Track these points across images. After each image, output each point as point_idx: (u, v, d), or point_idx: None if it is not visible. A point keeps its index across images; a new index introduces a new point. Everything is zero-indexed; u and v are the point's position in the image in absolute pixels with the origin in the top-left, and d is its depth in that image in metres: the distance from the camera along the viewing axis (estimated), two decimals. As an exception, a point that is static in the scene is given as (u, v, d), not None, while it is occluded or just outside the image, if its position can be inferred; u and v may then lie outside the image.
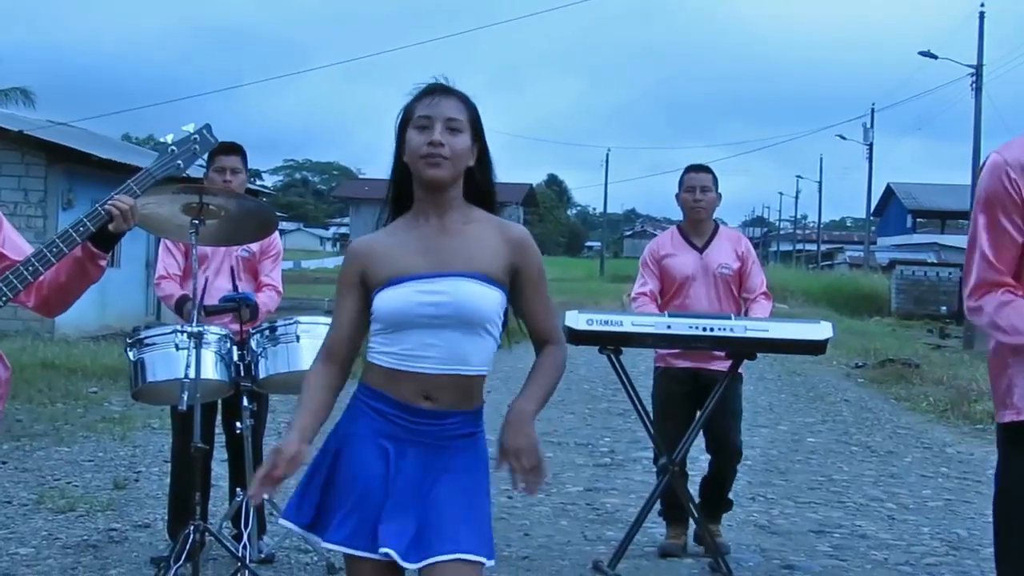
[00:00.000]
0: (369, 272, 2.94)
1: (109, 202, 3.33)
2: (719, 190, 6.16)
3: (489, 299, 2.89)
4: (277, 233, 5.80)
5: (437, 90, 2.97)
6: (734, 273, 6.09)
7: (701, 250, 6.11)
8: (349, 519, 2.85)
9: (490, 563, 2.88)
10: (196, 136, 3.59)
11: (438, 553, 2.79)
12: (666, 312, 5.66)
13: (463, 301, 2.86)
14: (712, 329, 5.42)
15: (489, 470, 2.99)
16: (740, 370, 5.86)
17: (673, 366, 6.07)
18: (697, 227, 6.16)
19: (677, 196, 6.16)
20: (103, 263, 3.41)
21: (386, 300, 2.89)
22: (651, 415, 5.88)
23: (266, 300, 5.71)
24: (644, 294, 6.13)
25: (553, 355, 3.05)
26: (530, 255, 2.99)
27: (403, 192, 3.03)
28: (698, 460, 6.49)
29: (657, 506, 5.99)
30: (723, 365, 5.75)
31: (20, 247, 3.39)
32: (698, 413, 5.89)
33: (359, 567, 2.86)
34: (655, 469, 5.97)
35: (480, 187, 3.03)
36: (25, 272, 3.20)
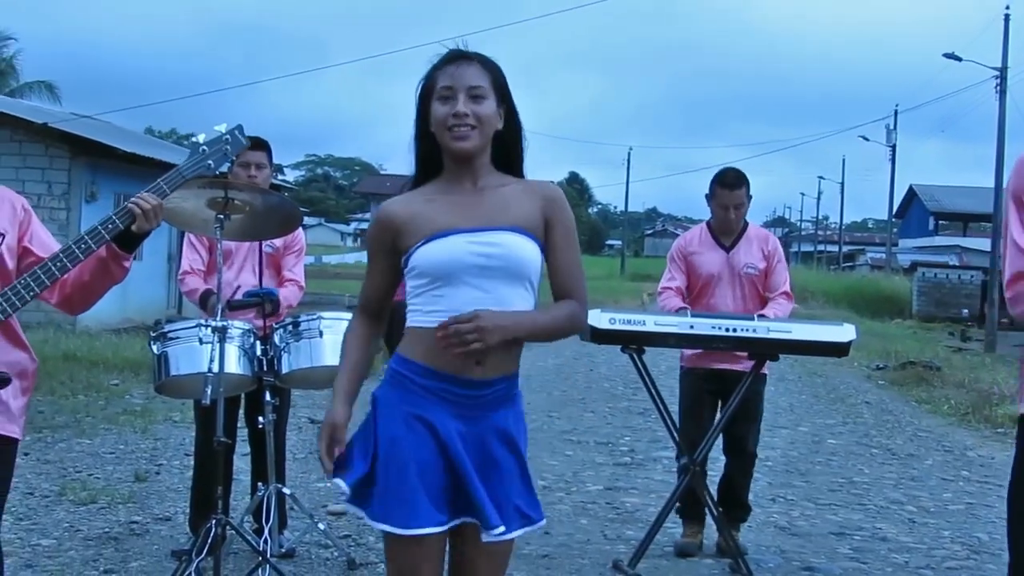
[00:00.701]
0: (405, 231, 2.91)
1: (132, 200, 3.33)
2: (750, 192, 6.10)
3: (533, 252, 2.90)
4: (300, 229, 5.81)
5: (457, 57, 2.95)
6: (760, 273, 6.06)
7: (728, 249, 6.08)
8: (414, 498, 2.80)
9: (542, 522, 2.97)
10: (228, 136, 3.59)
11: (508, 525, 2.85)
12: (688, 312, 5.64)
13: (513, 252, 2.86)
14: (735, 330, 5.40)
15: (526, 435, 3.01)
16: (764, 371, 5.84)
17: (698, 366, 6.06)
18: (733, 228, 6.12)
19: (707, 199, 6.09)
20: (127, 264, 3.41)
21: (433, 252, 2.86)
22: (672, 415, 5.87)
23: (288, 295, 5.71)
24: (670, 288, 6.11)
25: (572, 307, 2.99)
26: (563, 210, 2.99)
27: (430, 158, 3.01)
28: (718, 460, 6.47)
29: (676, 504, 5.98)
30: (749, 366, 5.72)
31: (47, 244, 3.40)
32: (721, 415, 5.88)
33: (420, 543, 2.81)
34: (676, 468, 5.96)
35: (508, 151, 3.02)
36: (53, 268, 3.20)
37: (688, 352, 6.08)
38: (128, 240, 3.37)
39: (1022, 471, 3.07)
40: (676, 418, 5.97)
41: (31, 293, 3.19)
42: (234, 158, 4.15)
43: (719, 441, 6.03)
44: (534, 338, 2.95)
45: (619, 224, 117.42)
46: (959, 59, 34.46)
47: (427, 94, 2.95)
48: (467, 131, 2.88)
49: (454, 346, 2.75)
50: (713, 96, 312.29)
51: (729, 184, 6.02)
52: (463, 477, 2.82)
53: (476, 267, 2.83)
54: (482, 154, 2.96)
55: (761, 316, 5.68)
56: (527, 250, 2.88)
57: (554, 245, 2.97)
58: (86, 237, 3.27)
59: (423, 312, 2.88)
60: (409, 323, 2.92)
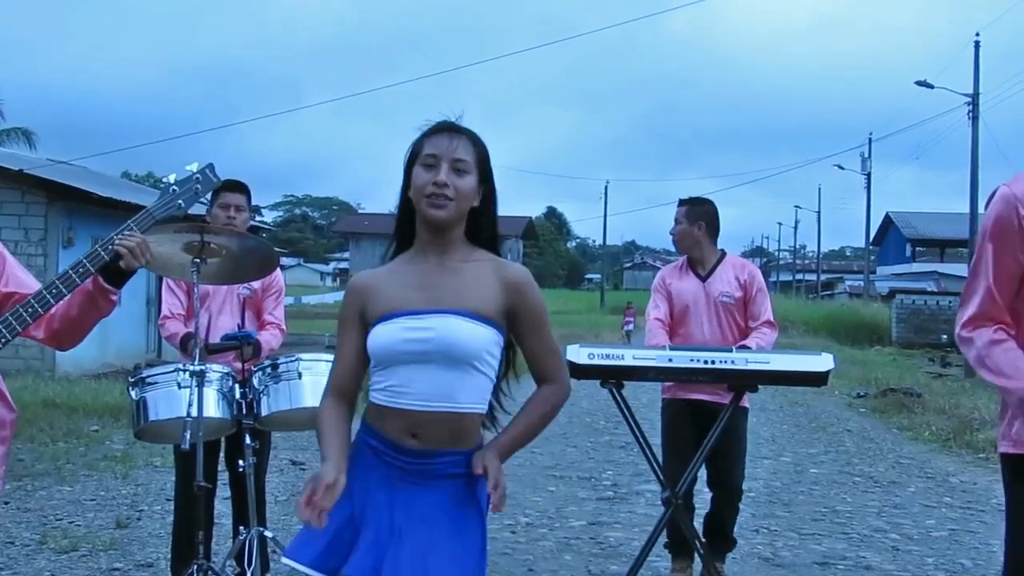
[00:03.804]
0: (367, 307, 2.95)
1: (115, 241, 3.33)
2: (712, 221, 6.18)
3: (478, 336, 2.87)
4: (279, 270, 5.81)
5: (446, 129, 2.96)
6: (736, 301, 6.09)
7: (704, 278, 6.14)
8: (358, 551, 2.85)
9: None
10: (198, 175, 3.59)
11: None
12: (666, 346, 5.65)
13: (448, 337, 2.84)
14: (714, 362, 5.41)
15: (484, 510, 2.95)
16: (745, 404, 5.86)
17: (679, 397, 6.08)
18: (697, 256, 6.20)
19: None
20: (114, 297, 3.41)
21: (376, 336, 2.90)
22: (653, 448, 5.86)
23: (269, 338, 5.71)
24: (659, 319, 6.18)
25: (546, 394, 3.03)
26: (528, 296, 2.97)
27: (408, 227, 3.02)
28: (701, 493, 6.47)
29: (663, 538, 5.97)
30: (729, 397, 5.73)
31: (27, 283, 3.39)
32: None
33: None
34: (660, 501, 5.95)
35: (483, 228, 3.03)
36: (37, 305, 3.20)
37: (667, 384, 6.10)
38: (115, 276, 3.37)
39: (1017, 520, 3.03)
40: (659, 451, 5.97)
41: (13, 332, 3.18)
42: (208, 199, 4.14)
43: (704, 473, 6.03)
44: (523, 445, 3.01)
45: (598, 258, 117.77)
46: (931, 86, 34.82)
47: (413, 160, 2.96)
48: (444, 201, 2.88)
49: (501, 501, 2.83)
50: (688, 127, 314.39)
51: (680, 202, 6.31)
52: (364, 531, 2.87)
53: (410, 353, 2.85)
54: (455, 228, 2.96)
55: (742, 347, 5.70)
56: (470, 334, 2.85)
57: (521, 334, 2.99)
58: (70, 272, 3.27)
59: (373, 388, 2.94)
60: (368, 396, 2.98)
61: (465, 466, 2.90)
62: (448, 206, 2.89)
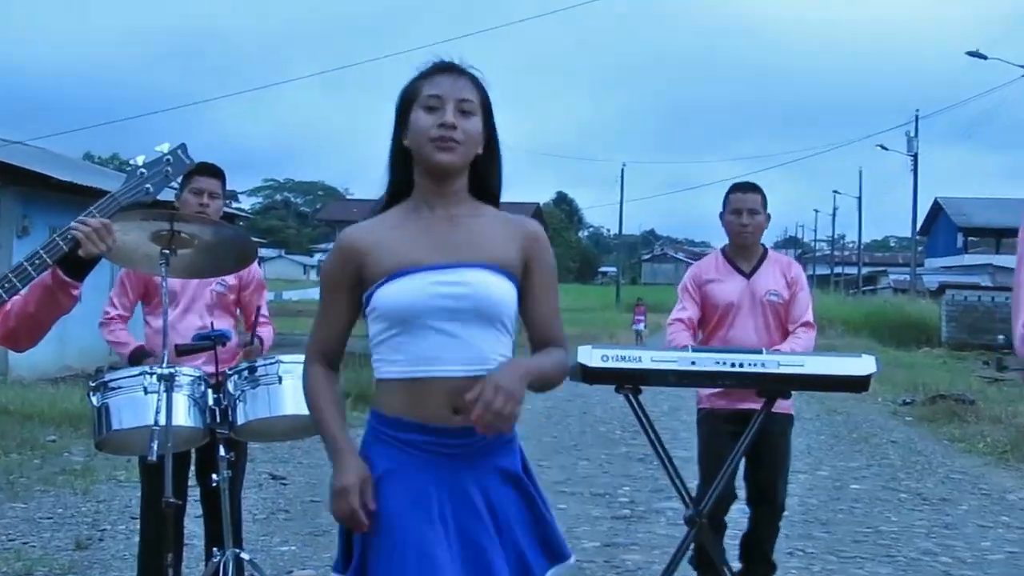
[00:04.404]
0: (367, 265, 2.91)
1: (73, 224, 3.33)
2: (768, 210, 6.15)
3: (506, 291, 2.90)
4: (256, 263, 5.82)
5: (448, 67, 2.96)
6: (784, 302, 6.06)
7: (748, 275, 6.10)
8: None
9: (572, 560, 3.00)
10: (169, 157, 3.58)
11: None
12: (689, 346, 5.62)
13: (483, 292, 2.86)
14: (741, 365, 5.38)
15: (532, 469, 3.02)
16: (790, 411, 5.84)
17: (717, 407, 6.02)
18: (743, 251, 6.14)
19: (721, 216, 6.14)
20: (76, 292, 3.41)
21: (394, 293, 2.86)
22: (673, 461, 5.84)
23: (270, 334, 5.81)
24: (680, 320, 6.10)
25: (559, 352, 3.03)
26: (543, 249, 3.01)
27: (403, 179, 3.01)
28: (731, 510, 6.46)
29: (690, 552, 5.92)
30: (779, 405, 5.67)
31: None
32: (744, 460, 5.81)
33: None
34: (682, 521, 5.93)
35: (485, 178, 3.02)
36: None
37: (705, 392, 6.05)
38: (76, 267, 3.37)
39: None
40: (683, 465, 5.94)
41: None
42: (178, 183, 4.14)
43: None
44: (539, 384, 2.96)
45: (613, 249, 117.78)
46: (984, 57, 34.81)
47: (408, 104, 2.94)
48: (453, 144, 2.87)
49: (490, 426, 2.76)
50: (713, 105, 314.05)
51: (742, 187, 6.15)
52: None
53: (443, 310, 2.83)
54: (461, 176, 2.96)
55: (775, 350, 5.67)
56: (501, 289, 2.88)
57: (532, 290, 2.99)
58: (26, 264, 3.27)
59: (387, 362, 2.89)
60: (378, 375, 2.92)
61: (506, 436, 2.92)
62: (457, 149, 2.88)
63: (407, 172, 2.98)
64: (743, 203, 6.05)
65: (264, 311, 5.91)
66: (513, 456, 2.97)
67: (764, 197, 6.13)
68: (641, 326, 36.01)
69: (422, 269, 2.86)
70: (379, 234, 2.95)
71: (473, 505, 2.86)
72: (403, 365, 2.85)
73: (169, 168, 3.57)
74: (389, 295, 2.86)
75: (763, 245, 6.24)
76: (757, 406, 5.78)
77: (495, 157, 3.02)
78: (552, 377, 2.99)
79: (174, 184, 4.37)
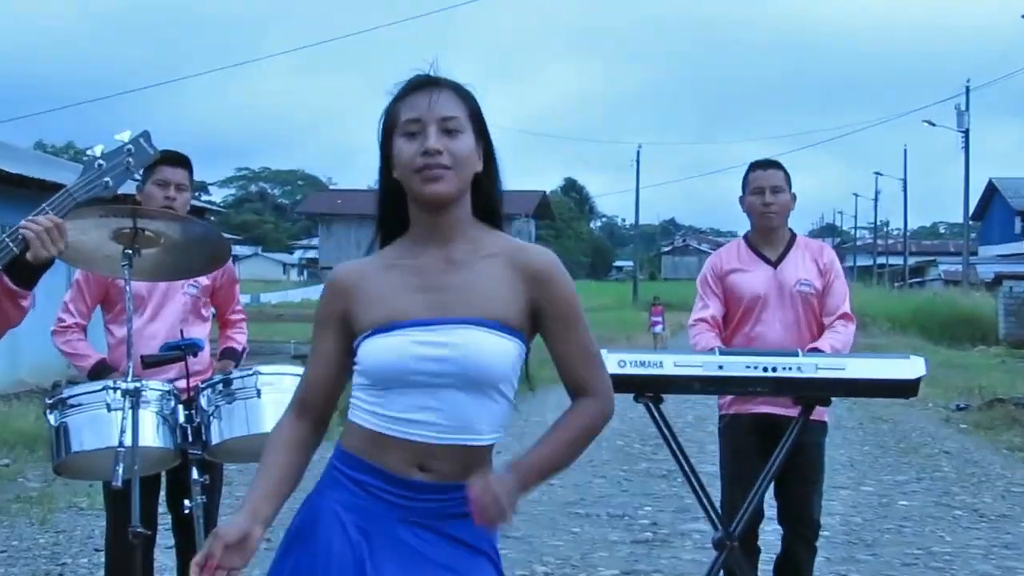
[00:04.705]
0: (354, 311, 2.91)
1: (23, 223, 3.32)
2: (793, 190, 6.11)
3: (504, 353, 2.85)
4: (230, 262, 5.82)
5: (423, 84, 2.92)
6: (817, 292, 6.02)
7: (775, 264, 6.05)
8: None
9: None
10: (130, 147, 3.58)
11: None
12: (716, 349, 5.60)
13: (471, 357, 2.81)
14: (775, 369, 5.36)
15: (498, 550, 2.96)
16: (824, 417, 5.82)
17: (744, 412, 5.98)
18: (769, 236, 6.08)
19: (741, 200, 6.08)
20: (25, 303, 3.40)
21: (375, 351, 2.85)
22: (701, 477, 5.84)
23: (242, 339, 5.85)
24: (704, 320, 6.04)
25: (585, 409, 2.98)
26: (555, 288, 2.93)
27: (397, 213, 2.98)
28: (765, 532, 6.47)
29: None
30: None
31: None
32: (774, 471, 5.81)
33: None
34: (710, 544, 5.93)
35: (485, 198, 2.98)
36: None
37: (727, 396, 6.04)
38: (25, 273, 3.36)
39: None
40: (712, 482, 5.94)
41: None
42: (141, 175, 4.14)
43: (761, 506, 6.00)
44: (550, 475, 2.95)
45: (629, 241, 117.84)
46: (1043, 20, 34.69)
47: (389, 132, 2.92)
48: (440, 171, 2.83)
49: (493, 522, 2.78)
50: (738, 79, 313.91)
51: (763, 164, 6.11)
52: None
53: (425, 374, 2.81)
54: (460, 204, 2.92)
55: (812, 350, 5.66)
56: (495, 351, 2.83)
57: (551, 337, 2.95)
58: None
59: (363, 410, 2.89)
60: (349, 415, 2.93)
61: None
62: (446, 176, 2.84)
63: (403, 209, 2.96)
64: (765, 180, 6.01)
65: (237, 310, 5.98)
66: (479, 529, 2.88)
67: (788, 175, 6.08)
68: (659, 327, 35.78)
69: (406, 325, 2.84)
70: (368, 276, 2.95)
71: (420, 564, 2.85)
72: (376, 420, 2.86)
73: (131, 159, 3.58)
74: (371, 353, 2.86)
75: (791, 230, 6.18)
76: (783, 411, 5.78)
77: (493, 172, 2.99)
78: (568, 457, 2.96)
79: (136, 176, 4.36)
